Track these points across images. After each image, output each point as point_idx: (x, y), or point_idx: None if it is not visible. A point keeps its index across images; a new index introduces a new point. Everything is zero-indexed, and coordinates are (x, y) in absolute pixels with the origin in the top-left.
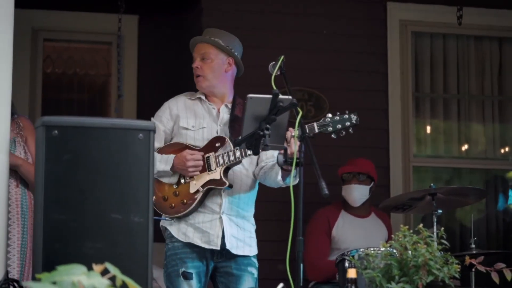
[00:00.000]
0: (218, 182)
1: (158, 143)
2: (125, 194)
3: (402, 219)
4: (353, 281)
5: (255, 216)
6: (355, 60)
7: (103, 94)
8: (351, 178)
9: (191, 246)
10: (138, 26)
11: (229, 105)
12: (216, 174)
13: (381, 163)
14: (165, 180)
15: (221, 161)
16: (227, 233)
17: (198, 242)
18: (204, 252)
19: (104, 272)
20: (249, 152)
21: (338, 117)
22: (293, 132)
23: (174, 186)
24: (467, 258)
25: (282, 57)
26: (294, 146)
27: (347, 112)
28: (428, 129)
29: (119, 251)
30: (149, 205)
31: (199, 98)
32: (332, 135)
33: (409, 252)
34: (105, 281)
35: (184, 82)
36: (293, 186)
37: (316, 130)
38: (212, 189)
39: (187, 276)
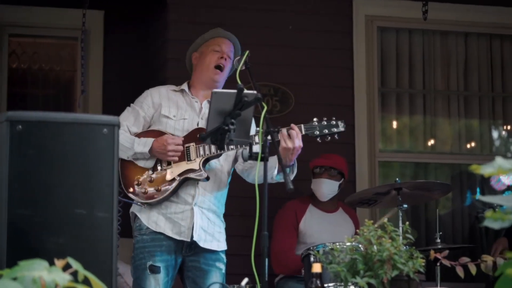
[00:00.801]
0: (196, 173)
1: (137, 128)
2: (90, 189)
3: (368, 214)
4: (318, 275)
5: None
6: (321, 56)
7: (69, 89)
8: (323, 172)
9: (160, 239)
10: (104, 21)
11: None
12: (195, 164)
13: (347, 158)
14: (140, 163)
15: (201, 152)
16: (196, 224)
17: (169, 232)
18: (173, 245)
19: (67, 267)
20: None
21: (325, 122)
22: (295, 128)
23: (150, 172)
24: (432, 252)
25: (247, 52)
26: (293, 141)
27: (334, 118)
28: (394, 124)
29: (83, 246)
30: (113, 200)
31: (182, 91)
32: (318, 139)
33: (374, 246)
34: (66, 276)
35: (149, 78)
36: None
37: (303, 132)
38: (188, 179)
39: (154, 270)
